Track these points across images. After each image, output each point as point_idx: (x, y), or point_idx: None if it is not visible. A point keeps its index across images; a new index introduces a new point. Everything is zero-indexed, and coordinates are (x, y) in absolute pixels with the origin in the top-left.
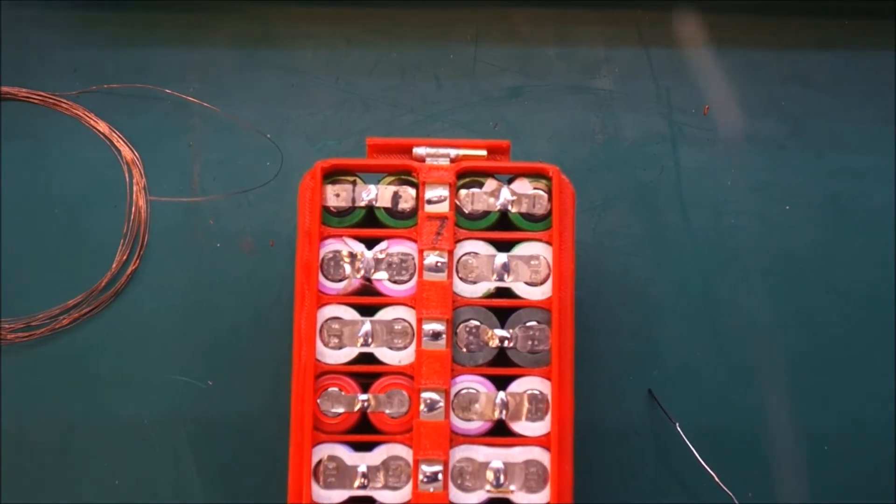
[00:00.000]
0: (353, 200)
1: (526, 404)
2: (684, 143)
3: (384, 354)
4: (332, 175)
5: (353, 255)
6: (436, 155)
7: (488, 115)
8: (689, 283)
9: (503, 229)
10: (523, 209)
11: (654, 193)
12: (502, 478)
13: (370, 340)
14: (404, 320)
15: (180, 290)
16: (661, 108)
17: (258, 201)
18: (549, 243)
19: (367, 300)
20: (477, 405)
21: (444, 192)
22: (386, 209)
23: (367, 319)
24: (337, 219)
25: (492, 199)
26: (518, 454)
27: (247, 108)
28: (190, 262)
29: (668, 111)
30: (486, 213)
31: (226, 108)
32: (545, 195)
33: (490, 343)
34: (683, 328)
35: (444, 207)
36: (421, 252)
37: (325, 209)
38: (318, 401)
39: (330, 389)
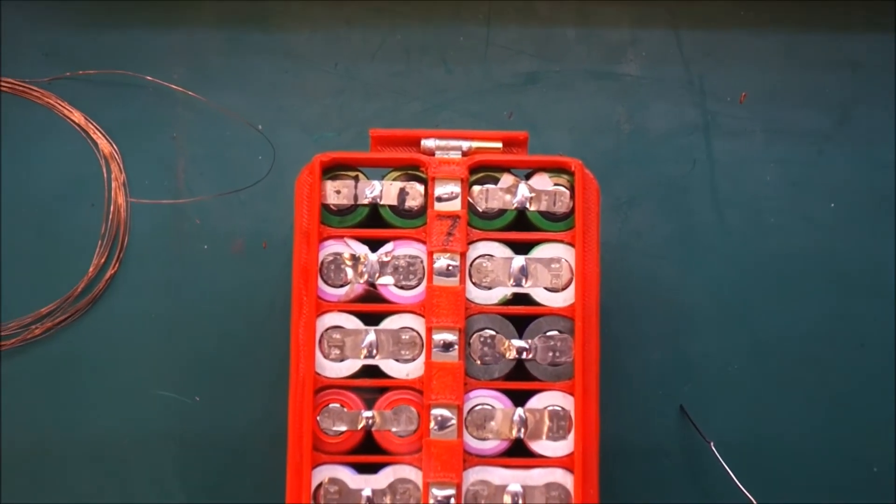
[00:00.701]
0: (356, 198)
1: (546, 422)
2: (718, 134)
3: (390, 367)
4: (332, 170)
5: (355, 258)
6: (446, 148)
7: (502, 104)
8: (724, 289)
9: (521, 229)
10: (543, 207)
11: (685, 190)
12: (521, 502)
13: (375, 352)
14: (412, 329)
15: (164, 297)
16: (693, 96)
17: (250, 199)
18: (571, 245)
19: (371, 307)
20: (493, 423)
21: (455, 188)
22: (391, 207)
23: (372, 329)
24: (337, 218)
25: (508, 197)
26: (538, 476)
27: (236, 97)
28: (174, 265)
29: (701, 99)
30: (502, 212)
31: (213, 96)
32: (567, 192)
33: (507, 354)
34: (718, 338)
35: (455, 205)
36: (430, 254)
37: (325, 207)
38: (318, 418)
39: (331, 406)
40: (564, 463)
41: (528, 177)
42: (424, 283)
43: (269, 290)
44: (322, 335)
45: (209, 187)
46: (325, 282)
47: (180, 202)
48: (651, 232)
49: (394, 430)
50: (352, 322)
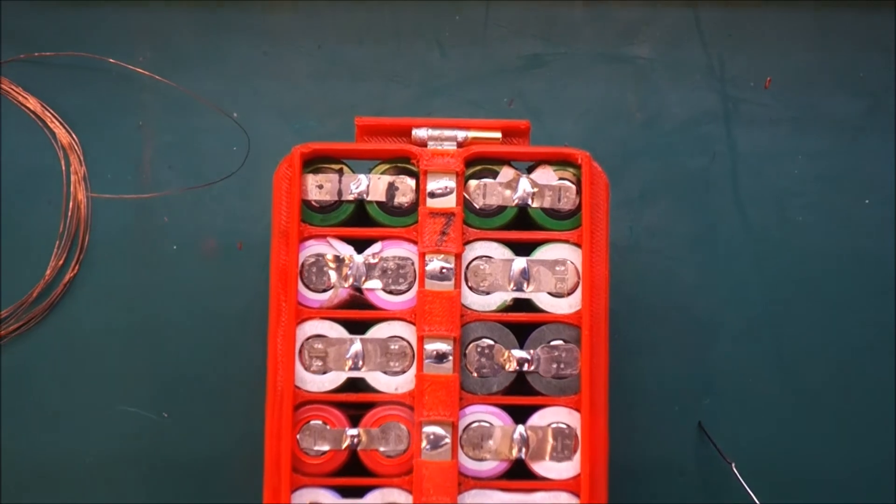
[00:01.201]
0: (340, 193)
1: (550, 440)
2: (741, 122)
3: (378, 380)
4: (314, 162)
5: (339, 260)
6: (440, 138)
7: (503, 90)
8: (747, 294)
9: (522, 228)
10: (546, 204)
11: (703, 185)
12: None
13: (360, 363)
14: (402, 339)
15: (128, 303)
16: (713, 81)
17: (223, 195)
18: (577, 245)
19: (356, 314)
20: (491, 442)
21: (450, 182)
22: (379, 204)
23: (357, 338)
24: (320, 215)
25: (508, 192)
26: (541, 500)
27: (208, 81)
28: (140, 268)
29: (721, 84)
30: (502, 209)
31: (183, 81)
32: (573, 187)
33: (506, 366)
34: (740, 348)
35: (450, 202)
36: (422, 256)
37: (306, 204)
38: (298, 436)
39: (312, 423)
40: (570, 486)
41: (530, 170)
42: (415, 287)
43: (244, 296)
44: (302, 345)
45: (178, 181)
46: (306, 286)
47: (146, 197)
48: (666, 231)
49: (381, 449)
50: (335, 330)
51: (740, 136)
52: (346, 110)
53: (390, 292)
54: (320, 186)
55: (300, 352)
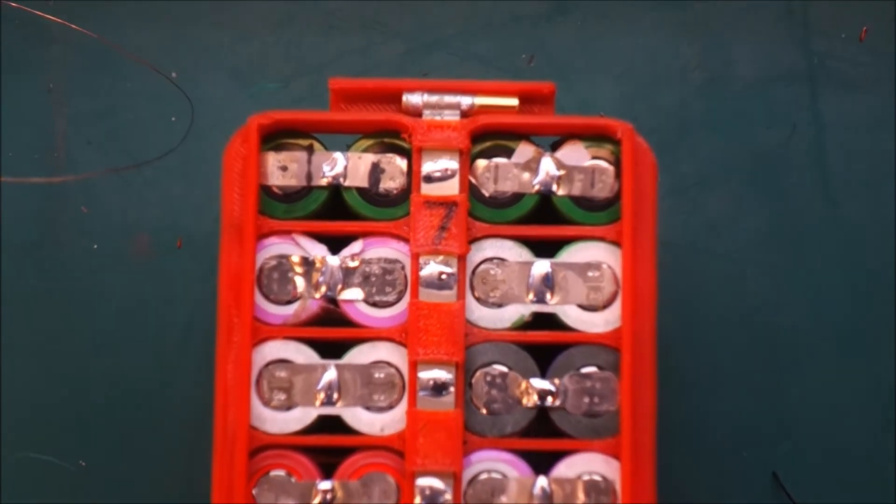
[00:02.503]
0: (309, 177)
1: (581, 497)
2: (829, 85)
3: (358, 418)
4: (276, 137)
5: (308, 263)
6: (438, 105)
7: (520, 44)
8: (836, 307)
9: (544, 222)
10: (576, 190)
11: (780, 166)
12: None
13: (336, 396)
14: (389, 365)
15: (37, 317)
16: (793, 31)
17: (158, 178)
18: (616, 244)
19: (330, 333)
20: (504, 498)
21: (451, 163)
22: (360, 190)
23: (332, 363)
24: (284, 206)
25: (526, 175)
26: None
27: (139, 32)
28: (51, 271)
29: (804, 35)
30: (518, 197)
31: (106, 31)
32: (610, 168)
33: (524, 400)
34: (827, 377)
35: (451, 187)
36: (415, 258)
37: (266, 190)
38: (255, 491)
39: (272, 473)
40: None
41: (555, 147)
42: (407, 298)
43: (184, 308)
44: (261, 373)
45: (100, 160)
46: (266, 296)
47: (59, 181)
48: (732, 226)
49: None
50: (303, 354)
51: (828, 103)
52: (317, 69)
53: (374, 304)
54: (284, 168)
55: (257, 382)
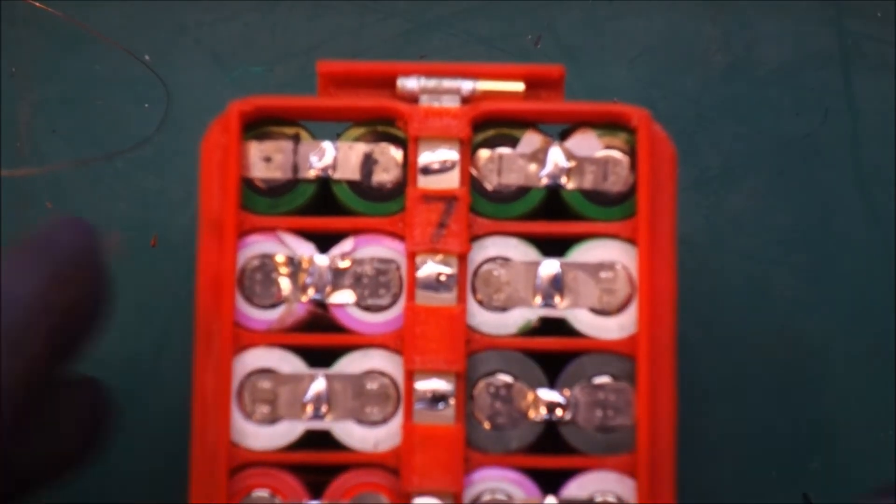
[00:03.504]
0: (296, 168)
1: None
2: (864, 69)
3: (349, 433)
4: (259, 125)
5: (294, 263)
6: (437, 90)
7: (526, 23)
8: (873, 312)
9: (553, 218)
10: (587, 184)
11: (811, 156)
12: None
13: (325, 409)
14: (383, 374)
15: None
16: (825, 10)
17: (130, 171)
18: (631, 242)
19: (318, 339)
20: None
21: (450, 153)
22: (352, 184)
23: (321, 372)
24: (268, 200)
25: (533, 167)
26: None
27: (110, 10)
28: None
29: (837, 14)
30: (524, 191)
31: (73, 9)
32: (625, 159)
33: (531, 413)
34: (861, 388)
35: (451, 180)
36: (411, 257)
37: (248, 184)
38: None
39: (255, 493)
40: None
41: (564, 136)
42: (402, 301)
43: (159, 312)
44: (242, 383)
45: (68, 151)
46: (248, 300)
47: (22, 174)
48: (758, 223)
49: None
50: (289, 362)
51: (863, 88)
52: (304, 51)
53: (367, 308)
54: (268, 159)
55: (239, 393)
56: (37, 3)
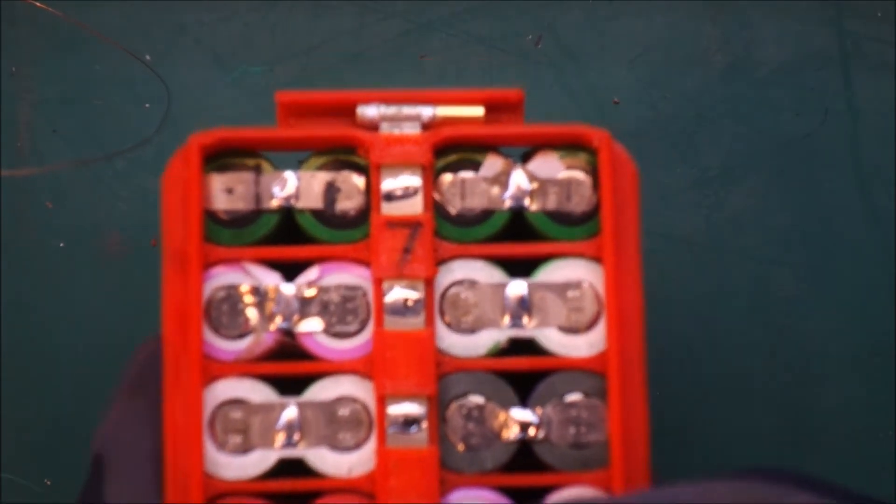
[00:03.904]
0: (258, 199)
1: None
2: (864, 69)
3: (323, 459)
4: (221, 157)
5: (260, 293)
6: (397, 117)
7: (526, 23)
8: (873, 312)
9: (518, 239)
10: (550, 205)
11: (811, 157)
12: None
13: (297, 437)
14: (354, 400)
15: None
16: (825, 10)
17: (130, 171)
18: (596, 260)
19: (288, 368)
20: None
21: (413, 179)
22: (315, 212)
23: (292, 400)
24: (231, 231)
25: (496, 190)
26: None
27: (110, 10)
28: (13, 272)
29: (837, 14)
30: (488, 214)
31: (73, 9)
32: (587, 179)
33: (504, 433)
34: (863, 390)
35: (414, 206)
36: (378, 283)
37: (211, 216)
38: None
39: None
40: None
41: (525, 158)
42: (370, 327)
43: (158, 312)
44: (214, 414)
45: (68, 151)
46: (216, 331)
47: (22, 174)
48: (757, 222)
49: None
50: (259, 392)
51: (863, 88)
52: (304, 51)
53: (335, 335)
54: (230, 191)
55: (211, 424)
56: (37, 3)
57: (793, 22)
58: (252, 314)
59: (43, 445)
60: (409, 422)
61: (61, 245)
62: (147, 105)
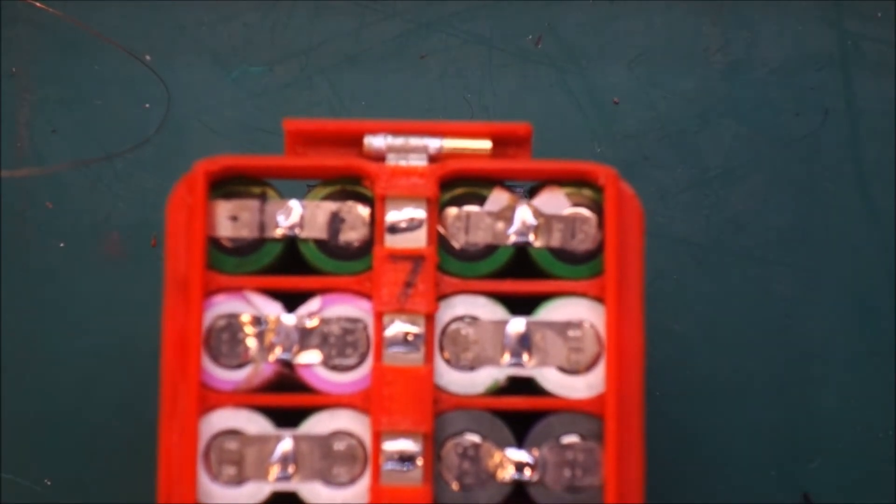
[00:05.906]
0: (262, 227)
1: None
2: (864, 69)
3: (317, 494)
4: (227, 184)
5: (261, 322)
6: (404, 149)
7: (527, 23)
8: (873, 313)
9: (521, 276)
10: (555, 242)
11: (811, 156)
12: None
13: (292, 470)
14: (350, 435)
15: None
16: (825, 10)
17: (130, 171)
18: (599, 300)
19: (285, 400)
20: None
21: (418, 212)
22: (319, 242)
23: (287, 433)
24: (234, 259)
25: (500, 225)
26: None
27: (110, 10)
28: (13, 272)
29: (837, 15)
30: (492, 249)
31: (73, 9)
32: (592, 217)
33: (499, 474)
34: (863, 391)
35: (418, 239)
36: (379, 317)
37: (214, 243)
38: None
39: None
40: None
41: (531, 193)
42: (369, 361)
43: (158, 313)
44: (209, 444)
45: (67, 151)
46: (215, 360)
47: (21, 175)
48: (758, 223)
49: None
50: (255, 423)
51: (864, 88)
52: (304, 52)
53: (334, 368)
54: (234, 218)
55: (206, 454)
56: (37, 3)
57: (793, 22)
58: (252, 344)
59: (43, 445)
60: (404, 459)
61: (61, 245)
62: (147, 105)
